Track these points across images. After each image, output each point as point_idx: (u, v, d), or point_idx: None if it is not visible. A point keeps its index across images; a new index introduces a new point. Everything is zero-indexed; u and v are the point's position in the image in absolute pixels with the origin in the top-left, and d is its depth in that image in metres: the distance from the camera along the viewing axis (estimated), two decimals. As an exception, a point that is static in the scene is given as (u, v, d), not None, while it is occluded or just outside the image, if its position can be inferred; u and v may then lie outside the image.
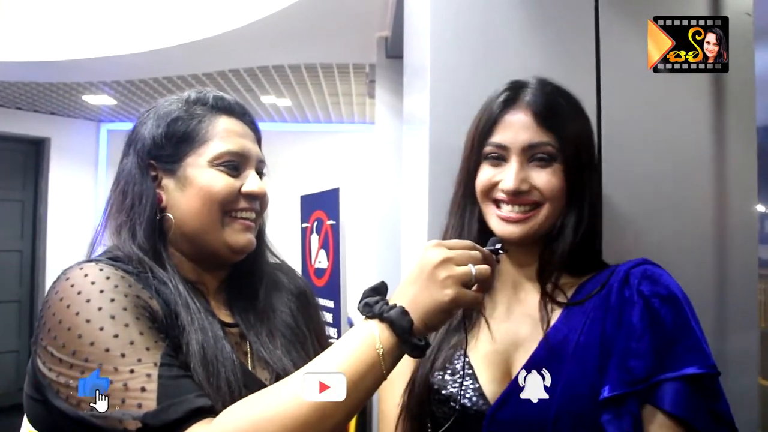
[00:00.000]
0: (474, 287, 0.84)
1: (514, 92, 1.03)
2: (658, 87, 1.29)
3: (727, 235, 1.30)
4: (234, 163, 1.04)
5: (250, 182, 1.05)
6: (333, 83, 4.97)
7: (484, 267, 0.85)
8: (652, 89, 1.29)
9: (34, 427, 0.94)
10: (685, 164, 1.30)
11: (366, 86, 4.27)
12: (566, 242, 1.02)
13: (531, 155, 1.00)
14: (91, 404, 0.82)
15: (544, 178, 0.99)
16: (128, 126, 1.11)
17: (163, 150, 1.04)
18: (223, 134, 1.05)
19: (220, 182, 1.02)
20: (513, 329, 1.03)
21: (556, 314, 1.00)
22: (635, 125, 1.29)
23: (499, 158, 1.02)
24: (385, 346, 0.81)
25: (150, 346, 0.86)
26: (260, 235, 1.13)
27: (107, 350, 0.84)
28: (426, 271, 0.82)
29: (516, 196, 0.99)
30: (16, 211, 6.11)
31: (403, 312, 0.81)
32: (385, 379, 0.82)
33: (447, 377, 1.01)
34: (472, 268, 0.83)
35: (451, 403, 0.99)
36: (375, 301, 0.84)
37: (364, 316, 0.84)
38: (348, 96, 5.40)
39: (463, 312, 1.01)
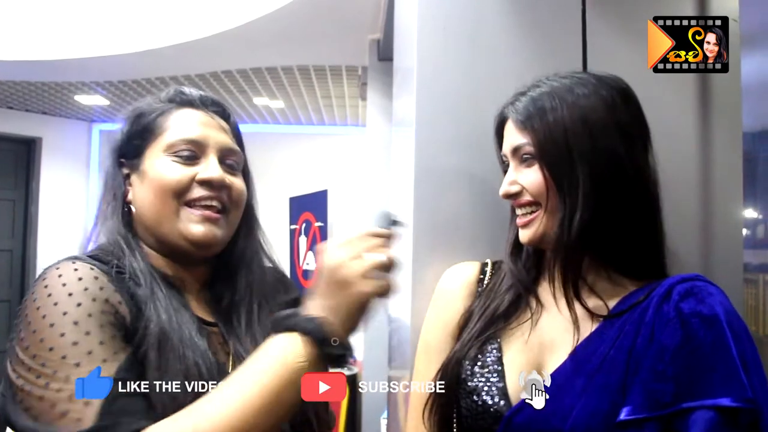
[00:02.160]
0: (381, 276, 0.86)
1: (512, 99, 1.06)
2: (645, 91, 1.28)
3: (712, 240, 1.30)
4: (189, 151, 1.02)
5: (208, 169, 1.02)
6: (326, 85, 4.97)
7: (378, 255, 0.86)
8: (638, 93, 1.29)
9: (9, 427, 0.92)
10: (671, 169, 1.29)
11: (358, 89, 4.27)
12: (561, 242, 0.98)
13: (520, 158, 1.02)
14: (38, 411, 0.81)
15: (526, 177, 1.01)
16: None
17: (129, 147, 1.05)
18: (179, 123, 1.04)
19: (172, 171, 1.01)
20: (550, 332, 1.01)
21: (594, 324, 0.96)
22: (621, 129, 1.29)
23: (508, 165, 1.06)
24: (306, 359, 0.82)
25: (108, 358, 0.84)
26: (251, 236, 1.13)
27: (64, 357, 0.83)
28: (328, 277, 0.85)
29: (513, 199, 1.03)
30: (7, 210, 6.08)
31: (320, 322, 0.83)
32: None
33: (476, 369, 1.00)
34: (369, 257, 0.85)
35: (474, 397, 0.98)
36: (292, 314, 0.85)
37: (283, 330, 0.85)
38: (341, 98, 5.40)
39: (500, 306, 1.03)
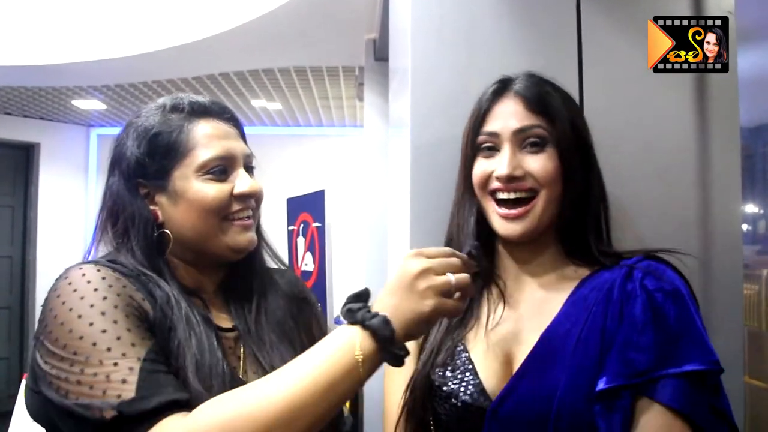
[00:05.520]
0: (455, 296, 0.84)
1: (502, 84, 1.05)
2: (641, 88, 1.29)
3: (711, 235, 1.30)
4: (221, 168, 1.04)
5: (241, 183, 1.05)
6: (323, 86, 4.96)
7: (464, 275, 0.85)
8: (635, 91, 1.29)
9: (32, 416, 0.97)
10: (669, 165, 1.30)
11: (355, 89, 4.27)
12: (572, 227, 1.03)
13: (523, 140, 1.01)
14: (77, 394, 0.85)
15: (538, 163, 0.99)
16: (118, 130, 1.11)
17: (150, 168, 1.04)
18: (205, 140, 1.04)
19: (211, 191, 1.02)
20: (513, 323, 1.03)
21: (558, 307, 0.99)
22: (618, 127, 1.29)
23: (492, 148, 1.03)
24: (365, 352, 0.81)
25: (136, 342, 0.88)
26: (258, 237, 1.13)
27: (94, 344, 0.86)
28: (405, 282, 0.83)
29: (510, 182, 1.00)
30: (6, 216, 6.07)
31: (386, 321, 0.82)
32: (362, 385, 0.83)
33: (448, 373, 1.01)
34: (452, 277, 0.84)
35: (453, 400, 0.99)
36: (358, 307, 0.84)
37: (346, 322, 0.85)
38: (338, 99, 5.40)
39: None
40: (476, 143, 1.04)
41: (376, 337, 0.81)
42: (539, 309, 1.01)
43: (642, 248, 1.03)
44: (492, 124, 1.03)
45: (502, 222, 1.01)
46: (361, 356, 0.81)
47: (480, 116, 1.05)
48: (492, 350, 1.01)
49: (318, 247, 2.85)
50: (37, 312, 0.97)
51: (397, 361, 0.83)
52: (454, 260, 0.86)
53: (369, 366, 0.82)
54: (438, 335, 1.05)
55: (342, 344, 0.82)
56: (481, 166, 1.03)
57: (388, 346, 0.81)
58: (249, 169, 1.09)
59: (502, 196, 1.01)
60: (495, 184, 1.01)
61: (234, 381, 0.98)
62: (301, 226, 3.01)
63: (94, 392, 0.84)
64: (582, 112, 1.08)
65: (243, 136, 1.12)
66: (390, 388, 1.11)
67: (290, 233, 3.15)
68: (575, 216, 1.03)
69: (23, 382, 1.84)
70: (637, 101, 1.30)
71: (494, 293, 1.06)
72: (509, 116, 1.01)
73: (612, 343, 0.92)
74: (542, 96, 1.02)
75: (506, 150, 1.01)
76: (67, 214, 6.26)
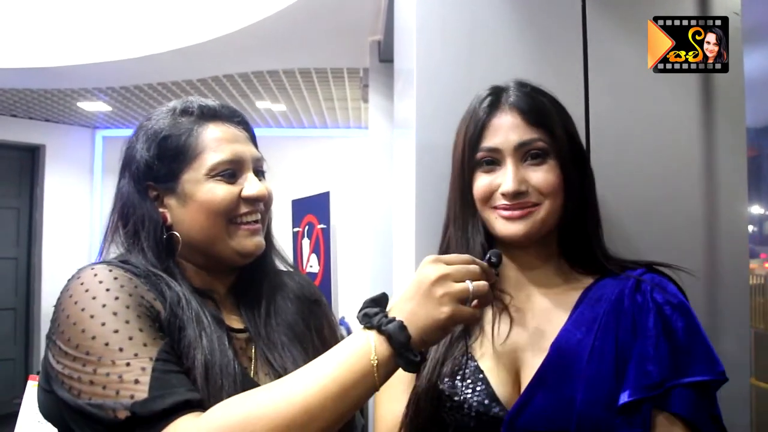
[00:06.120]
0: (472, 303, 0.84)
1: (496, 96, 1.04)
2: (647, 88, 1.29)
3: (717, 236, 1.29)
4: (230, 171, 1.04)
5: (249, 186, 1.05)
6: (327, 88, 4.97)
7: (482, 283, 0.84)
8: (640, 90, 1.29)
9: (44, 416, 0.97)
10: (675, 166, 1.29)
11: (360, 90, 4.27)
12: (575, 234, 1.04)
13: (524, 154, 1.00)
14: (90, 394, 0.85)
15: (540, 177, 0.99)
16: (123, 132, 1.12)
17: (159, 170, 1.04)
18: (215, 144, 1.04)
19: (220, 193, 1.02)
20: (520, 333, 1.02)
21: (564, 316, 0.99)
22: (624, 127, 1.28)
23: (493, 162, 1.02)
24: (381, 357, 0.81)
25: (148, 342, 0.88)
26: (268, 240, 1.13)
27: (107, 344, 0.87)
28: (423, 288, 0.82)
29: (516, 198, 0.99)
30: (12, 218, 6.09)
31: (402, 326, 0.81)
32: (377, 390, 0.83)
33: (458, 383, 1.00)
34: (470, 285, 0.83)
35: (465, 409, 0.97)
36: (374, 312, 0.84)
37: (362, 326, 0.85)
38: (343, 101, 5.40)
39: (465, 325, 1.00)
40: (475, 159, 1.03)
41: (391, 342, 0.81)
42: (546, 318, 1.01)
43: (643, 260, 1.04)
44: (492, 140, 1.01)
45: (504, 223, 1.01)
46: (376, 361, 0.81)
47: (477, 131, 1.03)
48: (500, 360, 1.00)
49: (323, 248, 2.85)
50: (43, 313, 0.97)
51: (412, 367, 0.82)
52: (474, 267, 0.85)
53: (384, 371, 0.82)
54: (442, 346, 1.04)
55: (357, 349, 0.82)
56: (484, 181, 1.02)
57: (403, 352, 0.81)
58: (259, 172, 1.09)
59: (505, 213, 1.01)
60: (499, 201, 1.01)
61: (246, 381, 0.98)
62: (306, 227, 3.01)
63: (107, 392, 0.84)
64: (571, 117, 1.07)
65: (254, 140, 1.12)
66: (382, 398, 1.09)
67: (295, 235, 3.15)
68: (577, 223, 1.03)
69: (29, 383, 1.84)
70: (643, 103, 1.29)
71: (499, 302, 1.05)
72: (509, 130, 1.00)
73: (628, 354, 0.92)
74: (539, 107, 1.01)
75: (509, 165, 1.00)
76: (72, 216, 6.27)
